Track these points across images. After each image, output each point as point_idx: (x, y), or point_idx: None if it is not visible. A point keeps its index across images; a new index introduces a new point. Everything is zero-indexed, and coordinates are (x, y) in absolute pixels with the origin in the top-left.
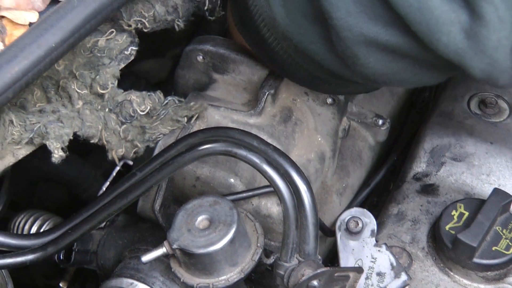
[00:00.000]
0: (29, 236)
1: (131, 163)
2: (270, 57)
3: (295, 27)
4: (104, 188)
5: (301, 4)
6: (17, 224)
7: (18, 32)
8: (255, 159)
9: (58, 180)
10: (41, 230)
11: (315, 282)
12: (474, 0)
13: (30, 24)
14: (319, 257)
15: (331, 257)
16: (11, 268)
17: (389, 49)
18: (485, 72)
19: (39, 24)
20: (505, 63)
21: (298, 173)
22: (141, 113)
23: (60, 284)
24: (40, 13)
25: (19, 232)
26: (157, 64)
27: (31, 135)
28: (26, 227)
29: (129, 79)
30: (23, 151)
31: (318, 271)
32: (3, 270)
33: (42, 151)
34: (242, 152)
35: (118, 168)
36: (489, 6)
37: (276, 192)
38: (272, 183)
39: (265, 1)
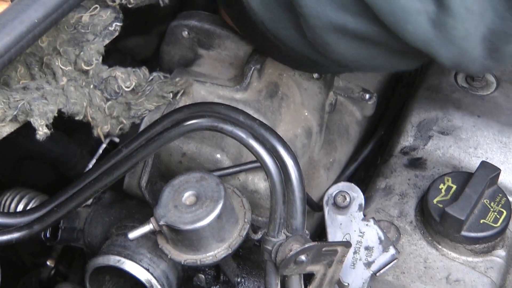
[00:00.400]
0: (14, 214)
1: (117, 140)
2: (252, 37)
3: (268, 13)
4: (90, 166)
5: None
6: (2, 202)
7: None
8: (241, 134)
9: (43, 159)
10: (27, 208)
11: (302, 257)
12: None
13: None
14: (307, 232)
15: (319, 232)
16: None
17: (359, 37)
18: (454, 61)
19: (21, 0)
20: (475, 52)
21: (285, 148)
22: (126, 89)
23: (48, 262)
24: None
25: (5, 210)
26: (143, 40)
27: (15, 112)
28: (12, 205)
29: (114, 56)
30: (7, 129)
31: (306, 246)
32: None
33: (27, 129)
34: (228, 127)
35: (104, 145)
36: None
37: (263, 167)
38: (258, 158)
39: None
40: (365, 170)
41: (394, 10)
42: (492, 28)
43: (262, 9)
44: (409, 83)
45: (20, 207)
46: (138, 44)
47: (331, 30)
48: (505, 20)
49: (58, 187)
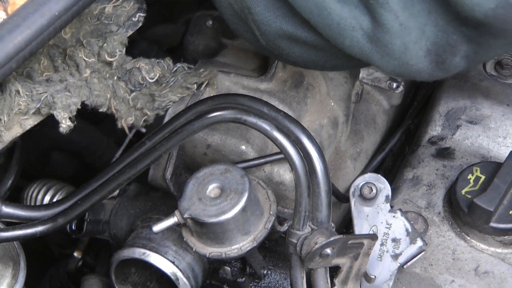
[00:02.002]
0: (38, 207)
1: (143, 130)
2: None
3: (231, 18)
4: (117, 156)
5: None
6: (29, 194)
7: (20, 1)
8: (265, 126)
9: (70, 149)
10: (54, 200)
11: (328, 250)
12: (374, 8)
13: None
14: (332, 224)
15: (346, 223)
16: (21, 240)
17: (310, 44)
18: (397, 72)
19: None
20: (420, 65)
21: (310, 139)
22: (150, 80)
23: (74, 254)
24: None
25: (32, 202)
26: (170, 29)
27: (38, 105)
28: (39, 197)
29: (141, 45)
30: (30, 122)
31: (331, 239)
32: (14, 242)
33: (53, 120)
34: (252, 119)
35: (130, 136)
36: (389, 14)
37: (287, 159)
38: (283, 150)
39: None
40: (393, 160)
41: (330, 26)
42: (435, 41)
43: (226, 13)
44: None
45: (46, 199)
46: (165, 33)
47: (283, 37)
48: (448, 33)
49: (85, 177)
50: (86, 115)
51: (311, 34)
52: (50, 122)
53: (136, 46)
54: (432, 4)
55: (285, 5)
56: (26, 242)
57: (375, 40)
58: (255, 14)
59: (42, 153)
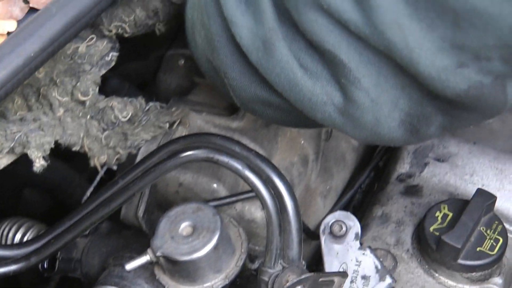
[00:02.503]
0: (11, 246)
1: (115, 167)
2: None
3: (209, 72)
4: (88, 194)
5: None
6: (0, 232)
7: None
8: (237, 165)
9: (42, 187)
10: (25, 238)
11: None
12: (345, 86)
13: (9, 33)
14: (304, 262)
15: (316, 259)
16: None
17: (283, 109)
18: (370, 140)
19: (17, 33)
20: (393, 134)
21: (280, 178)
22: (123, 119)
23: None
24: (19, 22)
25: (3, 240)
26: (141, 66)
27: (12, 144)
28: (10, 235)
29: (112, 82)
30: (4, 161)
31: (302, 276)
32: None
33: (26, 158)
34: (224, 159)
35: (101, 174)
36: (360, 92)
37: (259, 198)
38: (254, 189)
39: None
40: (362, 197)
41: (302, 100)
42: (409, 112)
43: (204, 67)
44: None
45: (17, 237)
46: (136, 69)
47: (257, 102)
48: (422, 105)
49: (57, 214)
50: (58, 152)
51: (285, 102)
52: (21, 159)
53: (108, 83)
54: (405, 80)
55: (259, 73)
56: None
57: (346, 115)
58: (230, 79)
59: (13, 191)
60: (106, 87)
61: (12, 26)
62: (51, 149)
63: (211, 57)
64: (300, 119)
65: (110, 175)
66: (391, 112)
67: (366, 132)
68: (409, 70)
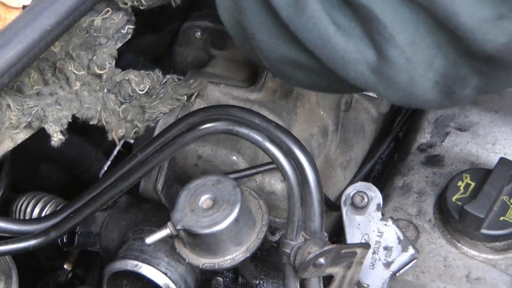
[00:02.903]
0: (31, 221)
1: (131, 141)
2: None
3: (238, 35)
4: (105, 168)
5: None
6: (19, 207)
7: (11, 16)
8: (257, 137)
9: (58, 162)
10: (43, 213)
11: (321, 260)
12: (379, 43)
13: (24, 7)
14: (326, 234)
15: (337, 231)
16: (14, 254)
17: (313, 70)
18: (404, 102)
19: (32, 7)
20: (427, 96)
21: (301, 149)
22: (140, 92)
23: (64, 266)
24: None
25: (21, 215)
26: (155, 39)
27: (29, 119)
28: (28, 209)
29: (127, 56)
30: (21, 135)
31: (325, 248)
32: (6, 256)
33: (42, 133)
34: (244, 130)
35: (118, 147)
36: (394, 50)
37: (280, 169)
38: (275, 161)
39: None
40: (382, 168)
41: (334, 59)
42: (444, 73)
43: (232, 31)
44: None
45: (36, 212)
46: (151, 42)
47: (286, 63)
48: (458, 65)
49: (73, 189)
50: (74, 126)
51: (314, 62)
52: (38, 134)
53: (122, 58)
54: (442, 38)
55: (288, 32)
56: (16, 255)
57: (380, 73)
58: (258, 40)
59: (30, 166)
60: (121, 61)
61: (27, 0)
62: (68, 124)
63: (239, 18)
64: (331, 81)
65: (126, 149)
66: (426, 72)
67: (400, 92)
68: (448, 24)
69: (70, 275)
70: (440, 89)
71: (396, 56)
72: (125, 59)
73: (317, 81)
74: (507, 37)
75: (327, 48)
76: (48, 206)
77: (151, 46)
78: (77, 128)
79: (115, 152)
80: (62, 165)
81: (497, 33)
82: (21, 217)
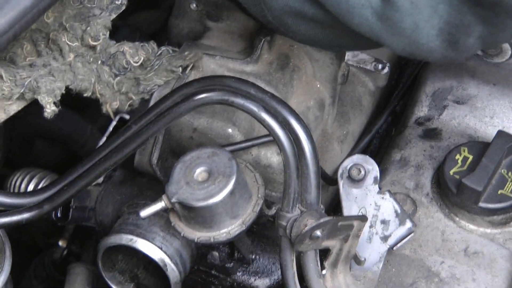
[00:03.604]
0: (24, 194)
1: (127, 117)
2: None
3: None
4: (101, 144)
5: None
6: (13, 182)
7: None
8: (253, 107)
9: (54, 137)
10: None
11: (318, 232)
12: None
13: None
14: (322, 206)
15: (334, 206)
16: (7, 228)
17: (317, 21)
18: (408, 51)
19: None
20: (432, 44)
21: (298, 120)
22: (135, 64)
23: (59, 243)
24: None
25: (16, 190)
26: (151, 15)
27: (22, 90)
28: (23, 185)
29: (123, 31)
30: (14, 107)
31: (321, 220)
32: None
33: (37, 108)
34: (239, 101)
35: (114, 123)
36: None
37: (276, 140)
38: (271, 132)
39: None
40: (380, 142)
41: (339, 3)
42: (448, 20)
43: None
44: None
45: (30, 187)
46: (147, 18)
47: (290, 13)
48: (462, 12)
49: (69, 165)
50: (70, 101)
51: (319, 11)
52: (33, 110)
53: (119, 33)
54: None
55: None
56: (10, 232)
57: (384, 18)
58: None
59: (25, 141)
60: (117, 36)
61: None
62: (62, 99)
63: None
64: (335, 34)
65: (122, 125)
66: (430, 17)
67: (404, 40)
68: None
69: (65, 252)
70: (444, 38)
71: None
72: (121, 34)
73: (321, 34)
74: None
75: None
76: (43, 181)
77: (148, 22)
78: (73, 104)
79: (110, 128)
80: (58, 141)
81: None
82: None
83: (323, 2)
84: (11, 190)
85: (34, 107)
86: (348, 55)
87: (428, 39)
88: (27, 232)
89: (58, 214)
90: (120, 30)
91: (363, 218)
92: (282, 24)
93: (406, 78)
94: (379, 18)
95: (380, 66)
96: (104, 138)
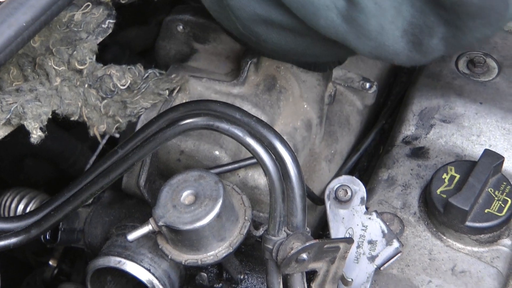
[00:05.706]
0: (11, 218)
1: (117, 135)
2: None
3: (211, 5)
4: (91, 162)
5: None
6: (3, 203)
7: None
8: (238, 132)
9: (44, 156)
10: (28, 209)
11: (304, 255)
12: None
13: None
14: (308, 229)
15: (323, 225)
16: None
17: (286, 28)
18: (374, 54)
19: (8, 3)
20: (397, 46)
21: (283, 144)
22: (122, 87)
23: (50, 262)
24: None
25: (6, 211)
26: (142, 32)
27: (8, 116)
28: (13, 205)
29: (113, 49)
30: (0, 133)
31: (307, 244)
32: None
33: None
34: (224, 126)
35: (102, 144)
36: None
37: (261, 165)
38: (256, 156)
39: None
40: (368, 161)
41: (304, 5)
42: (412, 22)
43: (206, 1)
44: (410, 71)
45: (20, 207)
46: (138, 35)
47: (258, 22)
48: (424, 13)
49: (59, 183)
50: (59, 120)
51: (286, 17)
52: (23, 129)
53: (108, 51)
54: None
55: None
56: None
57: (350, 20)
58: None
59: (15, 160)
60: (107, 55)
61: None
62: (52, 118)
63: None
64: (307, 42)
65: (112, 143)
66: (394, 18)
67: (370, 42)
68: None
69: (56, 271)
70: (408, 39)
71: (365, 0)
72: (111, 52)
73: (293, 43)
74: None
75: None
76: (33, 202)
77: (139, 38)
78: (62, 123)
79: (100, 147)
80: (48, 160)
81: None
82: (6, 213)
83: (288, 5)
84: (1, 211)
85: (23, 126)
86: (336, 74)
87: (393, 41)
88: (20, 250)
89: (48, 236)
90: (109, 48)
91: (349, 240)
92: (253, 33)
93: (394, 97)
94: (345, 20)
95: (367, 84)
96: (94, 157)
